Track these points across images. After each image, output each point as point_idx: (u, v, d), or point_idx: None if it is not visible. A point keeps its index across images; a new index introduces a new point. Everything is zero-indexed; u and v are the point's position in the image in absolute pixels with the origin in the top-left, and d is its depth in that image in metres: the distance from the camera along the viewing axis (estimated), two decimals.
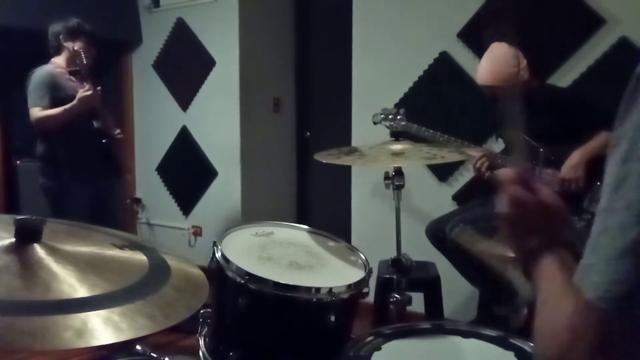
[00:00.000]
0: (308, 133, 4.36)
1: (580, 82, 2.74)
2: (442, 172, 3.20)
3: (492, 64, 2.51)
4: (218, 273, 1.46)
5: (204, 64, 4.15)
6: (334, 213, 3.91)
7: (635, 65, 0.56)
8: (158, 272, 1.04)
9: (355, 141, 3.45)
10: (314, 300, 1.41)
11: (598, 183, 2.25)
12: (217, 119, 4.14)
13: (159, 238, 4.53)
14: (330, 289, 1.39)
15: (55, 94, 2.92)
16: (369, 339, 1.38)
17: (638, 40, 2.60)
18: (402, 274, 1.83)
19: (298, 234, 1.74)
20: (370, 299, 1.92)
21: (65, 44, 2.99)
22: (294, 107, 4.43)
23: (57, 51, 3.02)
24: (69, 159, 2.93)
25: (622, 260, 0.50)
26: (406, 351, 1.36)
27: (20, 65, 2.98)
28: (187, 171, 4.36)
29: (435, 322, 1.54)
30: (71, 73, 3.01)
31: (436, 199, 3.21)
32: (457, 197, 3.17)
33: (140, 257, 1.09)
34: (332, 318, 1.40)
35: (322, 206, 4.38)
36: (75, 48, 2.97)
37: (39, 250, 0.96)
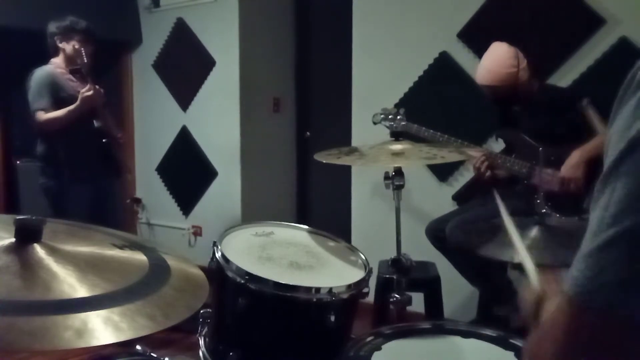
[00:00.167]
0: (308, 133, 4.36)
1: (580, 82, 2.74)
2: (442, 172, 3.20)
3: (492, 63, 2.51)
4: (218, 273, 1.46)
5: (204, 64, 4.15)
6: (334, 213, 3.91)
7: None
8: (158, 272, 1.04)
9: (355, 141, 3.45)
10: (314, 300, 1.41)
11: None
12: (217, 119, 4.14)
13: (159, 238, 4.53)
14: (330, 289, 1.39)
15: (56, 94, 2.92)
16: (369, 339, 1.38)
17: (638, 40, 2.60)
18: (402, 274, 1.83)
19: (298, 234, 1.75)
20: (370, 299, 1.92)
21: (60, 45, 2.99)
22: (294, 107, 4.43)
23: (56, 52, 3.03)
24: (69, 159, 2.93)
25: (596, 256, 0.51)
26: (406, 351, 1.36)
27: (20, 65, 2.98)
28: (187, 171, 4.36)
29: (435, 322, 1.54)
30: (72, 72, 3.01)
31: (436, 199, 3.21)
32: (457, 197, 3.17)
33: (140, 257, 1.09)
34: (332, 318, 1.40)
35: (322, 206, 4.38)
36: (69, 50, 2.97)
37: (39, 250, 0.96)
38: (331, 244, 1.71)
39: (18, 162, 4.09)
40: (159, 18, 4.38)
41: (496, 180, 2.59)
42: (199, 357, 1.54)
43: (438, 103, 3.18)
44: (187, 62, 4.25)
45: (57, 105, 2.90)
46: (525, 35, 2.72)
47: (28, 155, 3.82)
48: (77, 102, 2.88)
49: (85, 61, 2.94)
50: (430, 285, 2.65)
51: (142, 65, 4.54)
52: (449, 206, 3.11)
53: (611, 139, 0.54)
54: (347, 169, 3.58)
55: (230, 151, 4.08)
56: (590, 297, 0.51)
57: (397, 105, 3.22)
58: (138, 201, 4.69)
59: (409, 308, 1.84)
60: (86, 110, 2.92)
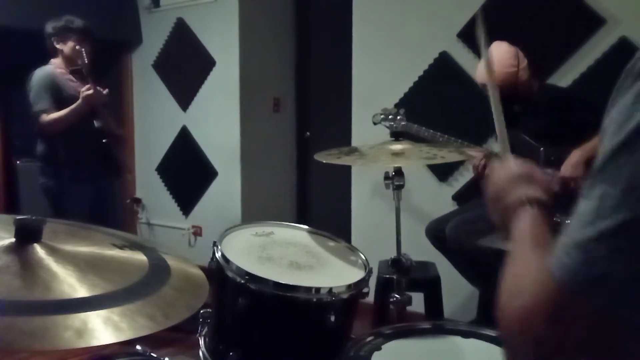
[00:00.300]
0: (308, 133, 4.36)
1: (580, 82, 2.74)
2: (442, 172, 3.20)
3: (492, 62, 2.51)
4: (218, 273, 1.46)
5: (204, 64, 4.15)
6: (334, 213, 3.91)
7: None
8: (158, 272, 1.04)
9: (355, 141, 3.45)
10: (314, 300, 1.41)
11: None
12: (217, 119, 4.14)
13: (159, 238, 4.53)
14: (330, 289, 1.39)
15: (57, 95, 2.92)
16: (369, 339, 1.38)
17: (638, 40, 2.60)
18: (402, 274, 1.83)
19: (298, 234, 1.74)
20: (370, 299, 1.91)
21: (57, 46, 2.99)
22: (294, 107, 4.43)
23: (54, 53, 3.03)
24: (69, 159, 2.93)
25: (594, 246, 0.51)
26: (406, 351, 1.36)
27: (20, 65, 2.98)
28: (187, 171, 4.36)
29: (435, 322, 1.54)
30: (72, 72, 3.01)
31: (436, 199, 3.21)
32: (457, 197, 3.17)
33: (140, 257, 1.09)
34: (332, 318, 1.40)
35: (322, 206, 4.38)
36: (67, 50, 2.97)
37: (39, 250, 0.96)
38: (331, 244, 1.71)
39: (18, 162, 4.10)
40: (159, 18, 4.38)
41: None
42: (199, 357, 1.54)
43: (438, 103, 3.18)
44: (187, 62, 4.25)
45: (59, 106, 2.90)
46: (525, 35, 2.72)
47: (28, 155, 3.82)
48: (79, 102, 2.89)
49: (86, 61, 2.94)
50: (430, 285, 2.65)
51: (142, 65, 4.54)
52: (449, 206, 3.11)
53: (607, 129, 0.54)
54: (347, 169, 3.58)
55: (230, 151, 4.08)
56: (588, 289, 0.50)
57: (397, 105, 3.22)
58: (138, 201, 4.69)
59: (409, 308, 1.84)
60: (87, 110, 2.92)
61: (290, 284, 1.38)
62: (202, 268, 1.18)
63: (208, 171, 4.24)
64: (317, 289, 1.39)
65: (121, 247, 1.12)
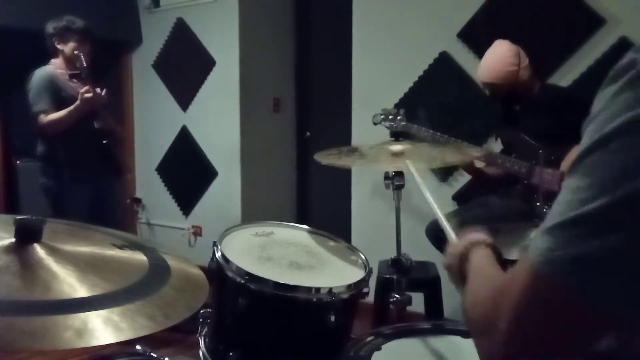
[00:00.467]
0: (308, 133, 4.36)
1: (580, 82, 2.74)
2: (442, 172, 3.20)
3: (493, 61, 2.51)
4: (218, 273, 1.46)
5: (204, 64, 4.15)
6: (334, 213, 3.91)
7: None
8: (158, 272, 1.04)
9: (355, 141, 3.45)
10: (314, 300, 1.41)
11: None
12: (217, 119, 4.14)
13: (159, 238, 4.53)
14: (330, 289, 1.39)
15: (57, 95, 2.92)
16: (369, 339, 1.38)
17: (638, 40, 2.60)
18: (402, 274, 1.82)
19: (298, 234, 1.74)
20: (370, 299, 1.91)
21: (58, 47, 2.99)
22: (294, 107, 4.43)
23: (55, 53, 3.02)
24: (69, 159, 2.93)
25: (556, 231, 0.55)
26: (406, 351, 1.36)
27: (20, 65, 2.98)
28: (187, 171, 4.36)
29: (435, 322, 1.54)
30: (72, 76, 3.01)
31: (436, 199, 3.20)
32: (457, 197, 3.17)
33: (140, 257, 1.09)
34: (332, 318, 1.39)
35: (322, 206, 4.38)
36: (67, 51, 2.97)
37: (39, 250, 0.96)
38: (331, 244, 1.71)
39: (18, 162, 4.10)
40: (159, 18, 4.38)
41: (493, 180, 2.59)
42: (199, 357, 1.54)
43: (438, 103, 3.18)
44: (187, 62, 4.25)
45: (58, 106, 2.90)
46: (525, 35, 2.72)
47: (28, 155, 3.82)
48: (77, 103, 2.88)
49: (85, 65, 2.94)
50: (430, 285, 2.65)
51: (142, 65, 4.54)
52: (449, 206, 3.11)
53: (588, 126, 0.57)
54: (347, 169, 3.58)
55: (230, 151, 4.08)
56: (553, 269, 0.54)
57: (397, 106, 3.22)
58: (138, 201, 4.69)
59: (409, 308, 1.84)
60: (87, 111, 2.92)
61: (290, 284, 1.38)
62: (202, 268, 1.18)
63: (208, 171, 4.24)
64: (317, 289, 1.39)
65: (121, 247, 1.12)
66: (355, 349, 1.33)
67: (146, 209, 4.67)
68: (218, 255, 1.47)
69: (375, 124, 2.60)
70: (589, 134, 0.56)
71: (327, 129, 4.16)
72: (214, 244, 1.52)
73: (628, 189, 0.51)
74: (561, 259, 0.54)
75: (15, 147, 4.11)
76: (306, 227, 1.80)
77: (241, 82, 4.01)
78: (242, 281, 1.38)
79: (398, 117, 2.51)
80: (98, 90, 2.95)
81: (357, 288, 1.45)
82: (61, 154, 2.92)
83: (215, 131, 4.16)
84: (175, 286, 1.01)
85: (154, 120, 4.52)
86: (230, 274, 1.42)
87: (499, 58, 2.49)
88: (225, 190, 4.16)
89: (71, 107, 2.88)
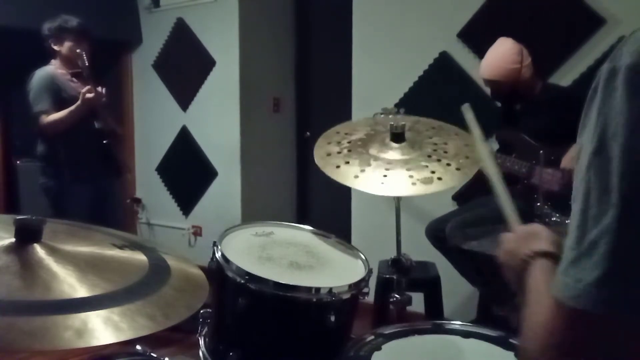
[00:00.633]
0: (308, 133, 4.35)
1: (580, 82, 2.74)
2: None
3: (496, 58, 2.51)
4: (218, 273, 1.46)
5: (204, 64, 4.15)
6: (334, 213, 3.91)
7: None
8: (158, 272, 1.04)
9: None
10: (314, 300, 1.41)
11: None
12: (217, 119, 4.14)
13: (159, 238, 4.53)
14: (330, 289, 1.39)
15: (57, 95, 2.92)
16: (369, 339, 1.38)
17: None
18: (402, 274, 1.82)
19: (298, 234, 1.74)
20: (370, 299, 1.91)
21: (55, 48, 2.99)
22: (294, 107, 4.43)
23: (53, 54, 3.02)
24: (69, 159, 2.93)
25: (581, 260, 0.54)
26: (406, 351, 1.36)
27: (20, 65, 2.98)
28: (187, 171, 4.36)
29: (435, 322, 1.54)
30: (73, 75, 3.01)
31: (436, 199, 3.20)
32: (457, 197, 3.17)
33: (140, 257, 1.09)
34: (332, 318, 1.39)
35: (322, 206, 4.38)
36: (65, 51, 2.97)
37: (39, 250, 0.96)
38: (331, 244, 1.71)
39: (18, 162, 4.10)
40: (159, 18, 4.38)
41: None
42: (199, 357, 1.54)
43: (438, 103, 3.18)
44: (187, 62, 4.25)
45: (59, 107, 2.90)
46: (525, 35, 2.72)
47: (28, 155, 3.82)
48: (78, 103, 2.88)
49: (87, 64, 2.94)
50: (430, 285, 2.65)
51: (142, 65, 4.54)
52: (449, 206, 3.11)
53: (584, 147, 0.58)
54: None
55: (230, 151, 4.08)
56: (580, 302, 0.53)
57: (397, 105, 3.22)
58: (138, 201, 4.69)
59: (409, 308, 1.84)
60: (87, 111, 2.92)
61: (290, 284, 1.38)
62: (202, 268, 1.18)
63: (208, 171, 4.24)
64: (317, 289, 1.39)
65: (121, 247, 1.12)
66: (355, 349, 1.33)
67: (146, 209, 4.68)
68: (218, 255, 1.47)
69: None
70: (582, 159, 0.57)
71: (327, 129, 4.15)
72: (214, 244, 1.52)
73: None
74: (585, 289, 0.53)
75: (15, 147, 4.11)
76: (306, 227, 1.80)
77: (241, 82, 4.01)
78: (242, 281, 1.38)
79: (398, 117, 2.51)
80: (99, 89, 2.95)
81: (357, 288, 1.45)
82: (61, 154, 2.92)
83: (215, 131, 4.16)
84: (175, 286, 1.01)
85: (154, 120, 4.52)
86: (230, 274, 1.42)
87: (501, 55, 2.49)
88: (225, 190, 4.16)
89: (72, 107, 2.88)
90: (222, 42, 4.05)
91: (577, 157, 0.58)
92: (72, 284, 0.90)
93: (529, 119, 2.54)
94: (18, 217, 0.97)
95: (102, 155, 3.06)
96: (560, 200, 2.27)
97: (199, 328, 1.56)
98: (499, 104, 2.78)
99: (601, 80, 0.59)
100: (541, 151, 2.11)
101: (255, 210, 4.10)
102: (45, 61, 3.02)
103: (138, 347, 1.38)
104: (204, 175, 4.26)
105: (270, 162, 4.28)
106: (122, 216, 4.45)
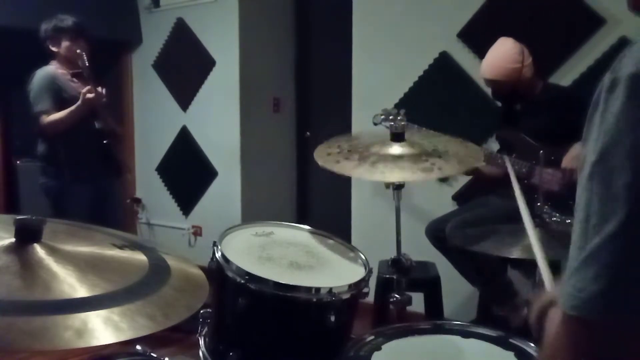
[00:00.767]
0: (308, 133, 4.36)
1: (580, 82, 2.74)
2: None
3: (496, 58, 2.51)
4: (218, 273, 1.46)
5: (204, 64, 4.15)
6: (334, 213, 3.91)
7: None
8: (158, 272, 1.04)
9: None
10: (314, 300, 1.41)
11: None
12: (217, 119, 4.14)
13: (159, 238, 4.53)
14: (330, 289, 1.39)
15: (58, 95, 2.92)
16: (369, 339, 1.38)
17: (638, 41, 2.59)
18: (402, 274, 1.83)
19: (298, 234, 1.74)
20: (370, 299, 1.91)
21: (53, 49, 2.99)
22: (294, 107, 4.43)
23: (53, 55, 3.02)
24: (69, 159, 2.93)
25: (582, 269, 0.54)
26: (406, 351, 1.36)
27: (20, 65, 2.97)
28: (187, 171, 4.36)
29: (435, 322, 1.54)
30: (73, 75, 3.01)
31: (436, 199, 3.20)
32: (457, 197, 3.17)
33: (140, 257, 1.09)
34: (332, 318, 1.39)
35: (322, 206, 4.38)
36: (63, 51, 2.97)
37: (39, 250, 0.96)
38: (331, 244, 1.71)
39: (18, 162, 4.10)
40: (159, 18, 4.38)
41: (492, 180, 2.59)
42: (199, 357, 1.54)
43: (438, 103, 3.18)
44: (187, 62, 4.25)
45: (59, 107, 2.90)
46: (525, 35, 2.72)
47: (28, 155, 3.82)
48: (79, 103, 2.88)
49: (87, 64, 2.93)
50: (430, 285, 2.65)
51: (142, 65, 4.54)
52: (449, 206, 3.11)
53: (587, 156, 0.57)
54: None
55: (230, 151, 4.08)
56: (583, 311, 0.54)
57: (397, 106, 3.22)
58: (138, 201, 4.69)
59: (409, 308, 1.84)
60: (87, 111, 2.92)
61: (290, 284, 1.38)
62: (202, 268, 1.18)
63: (208, 171, 4.24)
64: (317, 289, 1.39)
65: (121, 247, 1.12)
66: (355, 349, 1.33)
67: (146, 209, 4.67)
68: (218, 255, 1.47)
69: (375, 124, 2.60)
70: (586, 169, 0.57)
71: (327, 129, 4.15)
72: (214, 244, 1.52)
73: None
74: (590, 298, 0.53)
75: (15, 147, 4.11)
76: (306, 227, 1.80)
77: (241, 82, 4.01)
78: (242, 281, 1.38)
79: (398, 118, 2.51)
80: (99, 89, 2.95)
81: (357, 288, 1.45)
82: (61, 154, 2.92)
83: (215, 131, 4.16)
84: (175, 286, 1.01)
85: (154, 120, 4.52)
86: (230, 274, 1.42)
87: (502, 55, 2.49)
88: (225, 190, 4.16)
89: (72, 107, 2.88)
90: (222, 42, 4.05)
91: (581, 163, 0.58)
92: (72, 284, 0.90)
93: (529, 118, 2.54)
94: (18, 217, 0.97)
95: (102, 155, 3.06)
96: (561, 200, 2.27)
97: (199, 328, 1.56)
98: (499, 104, 2.78)
99: (603, 91, 0.57)
100: (541, 151, 2.11)
101: (255, 210, 4.10)
102: (45, 61, 3.02)
103: (138, 347, 1.38)
104: (204, 175, 4.26)
105: (270, 162, 4.28)
106: (122, 216, 4.44)
